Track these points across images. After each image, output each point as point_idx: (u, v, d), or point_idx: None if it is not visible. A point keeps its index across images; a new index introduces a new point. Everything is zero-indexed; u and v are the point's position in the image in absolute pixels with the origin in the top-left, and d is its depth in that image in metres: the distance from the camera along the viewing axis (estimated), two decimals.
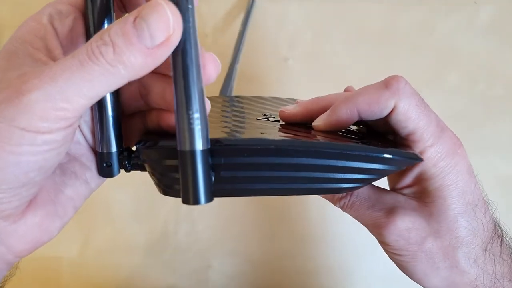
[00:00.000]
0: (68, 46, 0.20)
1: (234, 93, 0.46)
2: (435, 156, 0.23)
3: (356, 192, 0.24)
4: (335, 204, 0.26)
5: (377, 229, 0.24)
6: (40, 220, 0.20)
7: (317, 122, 0.25)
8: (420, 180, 0.24)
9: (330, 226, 0.48)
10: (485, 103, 0.47)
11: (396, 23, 0.47)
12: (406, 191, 0.25)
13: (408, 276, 0.25)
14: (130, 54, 0.16)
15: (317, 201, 0.48)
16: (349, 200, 0.24)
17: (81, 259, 0.49)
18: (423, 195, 0.24)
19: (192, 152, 0.18)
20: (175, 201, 0.52)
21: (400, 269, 0.26)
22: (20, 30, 0.19)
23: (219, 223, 0.49)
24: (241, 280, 0.49)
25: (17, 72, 0.17)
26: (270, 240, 0.49)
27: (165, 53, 0.17)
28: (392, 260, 0.26)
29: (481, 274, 0.24)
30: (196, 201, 0.18)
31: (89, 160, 0.22)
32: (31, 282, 0.46)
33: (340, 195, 0.24)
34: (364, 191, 0.25)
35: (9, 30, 0.49)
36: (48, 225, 0.21)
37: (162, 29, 0.16)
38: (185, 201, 0.19)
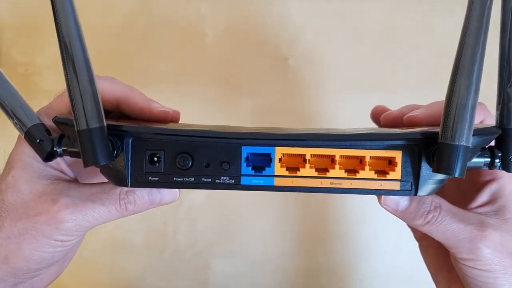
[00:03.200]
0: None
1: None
2: None
3: (444, 205, 0.24)
4: (416, 220, 0.24)
5: (470, 243, 0.23)
6: (57, 267, 0.28)
7: None
8: (498, 197, 0.25)
9: (331, 226, 0.48)
10: (485, 102, 0.47)
11: (396, 23, 0.47)
12: (482, 209, 0.25)
13: None
14: (142, 208, 0.25)
15: (317, 200, 0.48)
16: (439, 213, 0.24)
17: (80, 259, 0.49)
18: (501, 212, 0.25)
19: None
20: (175, 202, 0.52)
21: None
22: (23, 146, 0.25)
23: (219, 223, 0.49)
24: (241, 280, 0.49)
25: (43, 189, 0.24)
26: (270, 240, 0.49)
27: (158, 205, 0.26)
28: (470, 279, 0.24)
29: None
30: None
31: None
32: None
33: (427, 209, 0.24)
34: (450, 206, 0.25)
35: (9, 30, 0.49)
36: (61, 268, 0.29)
37: (168, 198, 0.25)
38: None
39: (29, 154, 0.24)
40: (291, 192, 0.23)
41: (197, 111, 0.47)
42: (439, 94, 0.46)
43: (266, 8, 0.48)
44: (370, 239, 0.48)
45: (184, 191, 0.49)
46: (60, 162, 0.25)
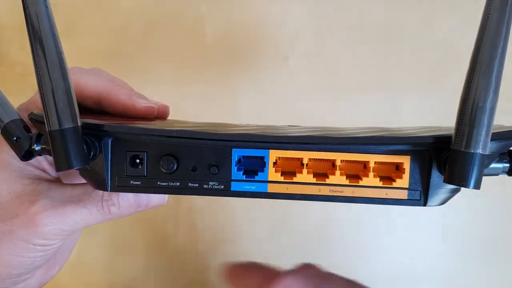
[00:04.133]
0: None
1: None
2: None
3: None
4: None
5: None
6: (44, 271, 0.26)
7: None
8: None
9: (331, 227, 0.48)
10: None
11: (396, 23, 0.47)
12: None
13: None
14: (128, 212, 0.23)
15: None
16: None
17: (80, 260, 0.49)
18: None
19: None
20: (175, 202, 0.52)
21: None
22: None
23: (219, 223, 0.49)
24: None
25: (22, 189, 0.22)
26: (270, 241, 0.49)
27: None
28: None
29: None
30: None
31: None
32: None
33: None
34: None
35: (8, 30, 0.49)
36: (50, 272, 0.27)
37: (156, 201, 0.24)
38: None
39: (9, 153, 0.22)
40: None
41: (196, 111, 0.47)
42: (439, 93, 0.46)
43: (266, 7, 0.47)
44: (371, 239, 0.47)
45: None
46: (41, 161, 0.24)
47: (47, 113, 0.19)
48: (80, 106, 0.20)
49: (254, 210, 0.49)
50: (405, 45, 0.47)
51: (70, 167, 0.19)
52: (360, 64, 0.47)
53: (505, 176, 0.49)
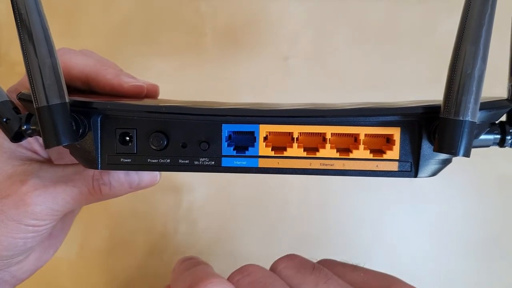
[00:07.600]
0: None
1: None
2: None
3: None
4: None
5: None
6: (38, 254, 0.26)
7: None
8: None
9: (331, 226, 0.48)
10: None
11: (397, 22, 0.47)
12: None
13: None
14: (119, 191, 0.23)
15: (318, 200, 0.48)
16: None
17: (80, 260, 0.49)
18: None
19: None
20: (174, 201, 0.52)
21: None
22: None
23: (219, 223, 0.49)
24: None
25: (13, 170, 0.22)
26: (270, 240, 0.49)
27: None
28: None
29: None
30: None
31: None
32: (30, 283, 0.46)
33: None
34: None
35: (8, 30, 0.49)
36: (45, 256, 0.27)
37: (148, 180, 0.23)
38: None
39: (0, 134, 0.22)
40: (277, 175, 0.21)
41: None
42: (440, 93, 0.46)
43: (266, 7, 0.47)
44: (371, 239, 0.47)
45: (184, 189, 0.49)
46: (32, 142, 0.24)
47: (34, 90, 0.18)
48: (69, 87, 0.20)
49: (254, 209, 0.49)
50: (405, 45, 0.47)
51: (58, 143, 0.19)
52: (360, 64, 0.47)
53: (502, 175, 0.48)
